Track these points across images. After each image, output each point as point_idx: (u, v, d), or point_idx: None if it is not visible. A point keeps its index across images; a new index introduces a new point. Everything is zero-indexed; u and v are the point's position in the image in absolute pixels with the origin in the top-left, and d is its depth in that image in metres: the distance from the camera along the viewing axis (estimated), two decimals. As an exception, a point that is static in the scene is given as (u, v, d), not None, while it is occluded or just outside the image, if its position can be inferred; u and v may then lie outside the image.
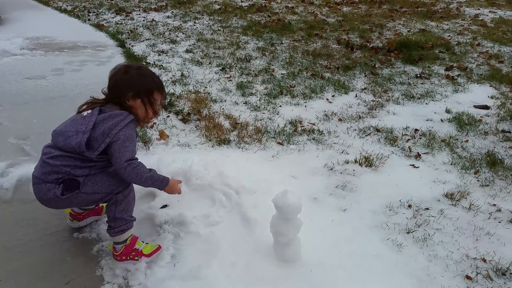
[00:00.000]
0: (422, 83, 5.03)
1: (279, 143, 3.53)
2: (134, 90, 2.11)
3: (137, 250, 2.21)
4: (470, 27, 7.92)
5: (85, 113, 2.06)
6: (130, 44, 6.40)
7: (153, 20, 7.97)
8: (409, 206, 2.77)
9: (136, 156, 2.09)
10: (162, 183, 2.18)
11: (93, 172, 2.05)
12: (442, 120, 4.04)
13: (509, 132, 3.82)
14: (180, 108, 4.08)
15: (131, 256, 2.20)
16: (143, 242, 2.26)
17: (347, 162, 3.25)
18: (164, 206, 2.60)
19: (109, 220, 2.17)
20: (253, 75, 5.18)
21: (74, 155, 1.99)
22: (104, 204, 2.38)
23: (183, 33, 7.07)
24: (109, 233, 2.18)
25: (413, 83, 5.02)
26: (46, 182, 2.00)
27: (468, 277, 2.21)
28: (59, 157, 2.00)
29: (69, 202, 2.07)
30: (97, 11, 8.83)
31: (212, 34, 7.10)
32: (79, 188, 2.01)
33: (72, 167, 2.00)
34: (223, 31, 7.34)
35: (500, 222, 2.65)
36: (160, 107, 2.27)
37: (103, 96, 2.21)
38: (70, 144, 1.97)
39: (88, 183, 2.03)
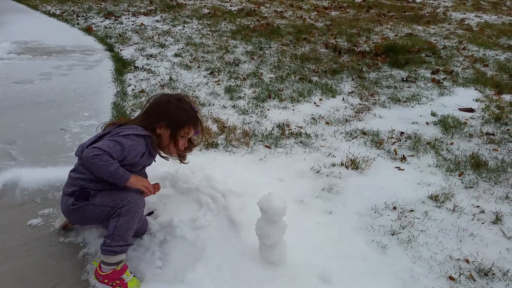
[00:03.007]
0: (408, 87, 5.09)
1: (266, 146, 3.55)
2: (168, 120, 2.24)
3: (123, 281, 2.09)
4: (456, 31, 8.03)
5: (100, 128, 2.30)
6: (118, 48, 6.39)
7: (142, 24, 7.97)
8: (394, 208, 2.80)
9: (115, 161, 2.06)
10: (122, 178, 2.08)
11: (107, 188, 2.16)
12: (427, 123, 4.09)
13: (493, 134, 3.88)
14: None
15: (113, 283, 2.08)
16: (131, 273, 2.13)
17: (334, 165, 3.28)
18: (150, 213, 2.57)
19: (107, 235, 2.08)
20: (242, 79, 5.20)
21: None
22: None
23: (172, 37, 7.08)
24: (102, 250, 2.08)
25: (400, 86, 5.08)
26: (66, 195, 2.18)
27: (451, 278, 2.24)
28: (77, 169, 2.19)
29: (81, 215, 2.15)
30: (86, 15, 8.80)
31: (201, 38, 7.12)
32: (88, 199, 2.11)
33: (87, 181, 2.14)
34: (212, 35, 7.36)
35: (483, 223, 2.69)
36: (189, 142, 2.40)
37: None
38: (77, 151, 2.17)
39: (98, 195, 2.13)
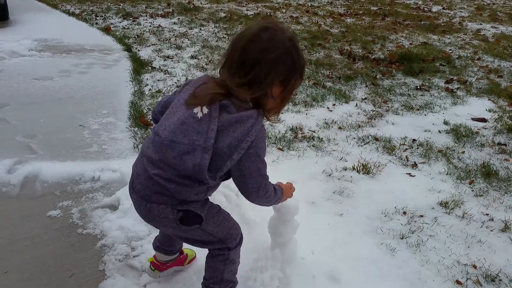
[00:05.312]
0: (421, 95, 5.11)
1: (279, 148, 3.61)
2: (283, 76, 1.49)
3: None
4: (472, 42, 8.03)
5: (200, 114, 1.48)
6: (136, 48, 6.50)
7: (159, 26, 8.09)
8: (404, 213, 2.84)
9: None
10: (279, 199, 1.81)
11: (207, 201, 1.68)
12: (439, 131, 4.12)
13: (505, 144, 3.90)
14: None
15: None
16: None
17: (345, 169, 3.33)
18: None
19: (214, 281, 1.81)
20: (256, 82, 5.25)
21: (190, 179, 1.52)
22: (188, 253, 2.25)
23: (188, 40, 7.18)
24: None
25: (413, 94, 5.11)
26: (159, 204, 1.55)
27: (458, 282, 2.28)
28: (172, 180, 1.51)
29: (183, 232, 1.66)
30: (105, 15, 8.96)
31: (217, 41, 7.21)
32: (200, 224, 1.62)
33: (175, 183, 1.52)
34: (228, 38, 7.44)
35: (492, 231, 2.72)
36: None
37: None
38: (186, 166, 1.48)
39: (211, 221, 1.65)
